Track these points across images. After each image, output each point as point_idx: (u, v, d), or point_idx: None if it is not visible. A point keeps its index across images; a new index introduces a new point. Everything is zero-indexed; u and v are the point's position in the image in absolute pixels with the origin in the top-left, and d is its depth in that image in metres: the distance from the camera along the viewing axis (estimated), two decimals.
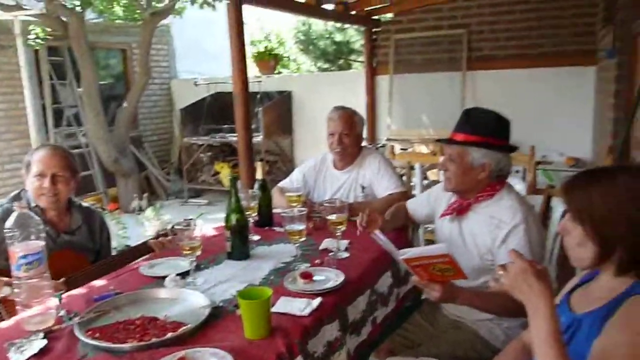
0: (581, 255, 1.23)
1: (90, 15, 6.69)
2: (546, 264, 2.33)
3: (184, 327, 1.41)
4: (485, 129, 1.86)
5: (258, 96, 6.99)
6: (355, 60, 9.06)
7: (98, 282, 1.86)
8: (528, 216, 1.81)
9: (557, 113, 5.60)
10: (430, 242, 2.33)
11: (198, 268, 1.87)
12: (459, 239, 1.94)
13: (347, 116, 2.72)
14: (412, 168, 3.45)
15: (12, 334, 1.42)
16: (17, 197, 2.11)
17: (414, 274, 1.60)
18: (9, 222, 1.46)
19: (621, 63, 3.78)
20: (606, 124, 4.20)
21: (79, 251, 2.22)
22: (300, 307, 1.50)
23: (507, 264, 1.19)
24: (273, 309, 1.44)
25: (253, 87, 6.36)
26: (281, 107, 7.11)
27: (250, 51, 7.75)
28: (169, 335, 1.37)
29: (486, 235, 1.85)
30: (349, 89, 6.70)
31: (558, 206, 2.35)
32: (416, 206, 2.31)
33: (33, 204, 2.12)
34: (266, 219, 2.44)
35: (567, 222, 1.26)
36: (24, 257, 1.44)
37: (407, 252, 1.55)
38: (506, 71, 5.83)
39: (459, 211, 1.95)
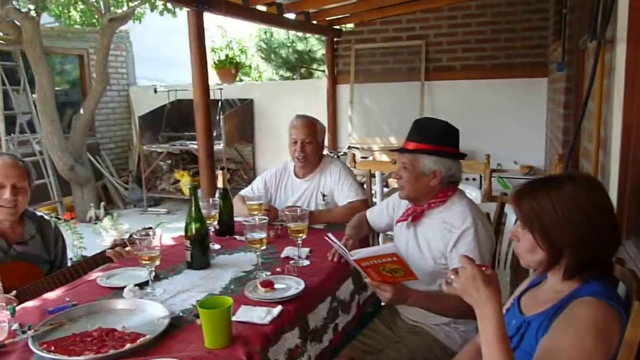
0: (531, 260, 1.29)
1: (45, 19, 6.52)
2: (500, 268, 2.41)
3: (143, 338, 1.39)
4: (435, 137, 1.93)
5: (219, 104, 6.95)
6: (316, 70, 9.12)
7: (53, 294, 1.81)
8: (477, 221, 1.88)
9: (512, 123, 5.79)
10: None
11: (157, 278, 1.85)
12: (414, 245, 2.00)
13: (309, 124, 2.74)
14: (372, 176, 3.50)
15: None
16: None
17: (366, 275, 1.65)
18: None
19: (570, 76, 3.94)
20: (557, 133, 4.37)
21: (32, 262, 2.16)
22: (261, 315, 1.51)
23: (459, 268, 1.23)
24: (233, 318, 1.44)
25: (214, 95, 6.34)
26: (243, 115, 7.09)
27: (211, 59, 7.71)
28: (128, 346, 1.35)
29: (439, 240, 1.92)
30: (310, 97, 6.75)
31: (511, 212, 2.43)
32: (375, 217, 2.35)
33: None
34: (227, 227, 2.43)
35: (517, 229, 1.32)
36: None
37: (358, 252, 1.59)
38: (463, 82, 6.00)
39: (413, 217, 2.01)
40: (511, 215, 2.46)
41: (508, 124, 5.81)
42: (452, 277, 1.23)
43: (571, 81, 3.93)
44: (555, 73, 4.60)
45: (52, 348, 1.37)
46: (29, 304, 1.73)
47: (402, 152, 1.99)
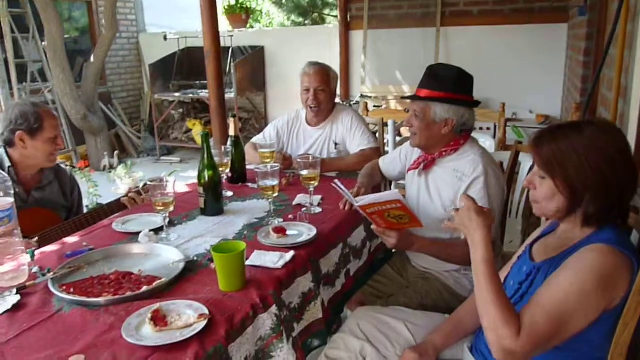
0: (549, 207, 1.28)
1: None
2: (512, 216, 2.41)
3: (159, 281, 1.42)
4: (448, 84, 1.88)
5: (230, 51, 6.85)
6: (329, 15, 8.89)
7: (70, 239, 1.85)
8: (489, 169, 1.86)
9: (528, 71, 5.65)
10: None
11: (171, 224, 1.88)
12: (425, 193, 1.99)
13: (322, 72, 2.70)
14: (385, 125, 3.46)
15: None
16: None
17: (372, 222, 1.67)
18: None
19: (591, 21, 3.80)
20: (575, 81, 4.26)
21: (50, 208, 2.20)
22: (274, 260, 1.53)
23: (460, 206, 1.31)
24: (247, 262, 1.47)
25: (225, 42, 6.22)
26: (254, 62, 6.99)
27: (221, 4, 7.53)
28: (144, 288, 1.39)
29: (449, 187, 1.91)
30: (322, 44, 6.61)
31: (526, 161, 2.41)
32: (388, 165, 2.34)
33: (8, 164, 2.09)
34: (239, 175, 2.44)
35: (533, 176, 1.30)
36: None
37: (362, 199, 1.61)
38: (480, 28, 5.82)
39: (425, 166, 2.00)
40: (525, 164, 2.43)
41: (525, 72, 5.67)
42: (453, 213, 1.33)
43: (593, 26, 3.80)
44: (577, 18, 4.44)
45: (72, 290, 1.41)
46: (48, 248, 1.77)
47: (413, 100, 1.96)
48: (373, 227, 1.70)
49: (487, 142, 3.18)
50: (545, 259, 1.30)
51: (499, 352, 1.15)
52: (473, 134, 2.02)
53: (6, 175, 1.49)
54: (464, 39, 5.91)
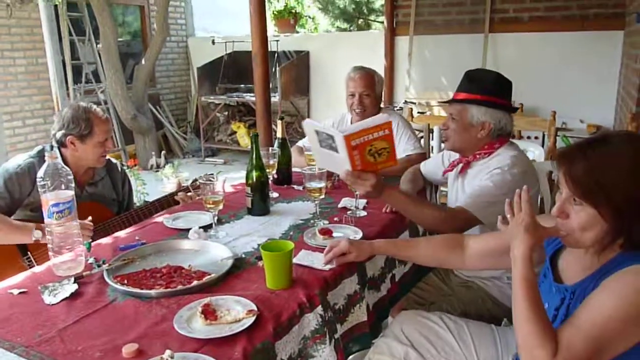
0: (585, 237, 1.14)
1: None
2: None
3: (209, 277, 1.46)
4: (486, 87, 1.88)
5: (275, 55, 6.94)
6: (374, 21, 8.88)
7: (123, 232, 1.92)
8: (516, 167, 1.82)
9: (580, 79, 5.48)
10: (444, 204, 2.35)
11: (219, 222, 1.92)
12: (462, 196, 1.98)
13: (368, 76, 2.71)
14: (430, 131, 3.43)
15: (44, 279, 1.50)
16: (41, 153, 2.16)
17: (350, 162, 1.60)
18: (41, 172, 1.51)
19: None
20: (631, 90, 4.11)
21: (102, 203, 2.29)
22: (321, 260, 1.54)
23: (508, 215, 1.22)
24: (294, 261, 1.48)
25: (270, 46, 6.29)
26: (299, 67, 7.06)
27: (269, 8, 7.64)
28: (195, 283, 1.42)
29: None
30: (367, 49, 6.61)
31: None
32: (430, 168, 2.32)
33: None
34: (285, 177, 2.47)
35: (565, 204, 1.15)
36: (56, 205, 1.49)
37: (348, 129, 1.57)
38: (530, 34, 5.69)
39: (460, 169, 2.00)
40: None
41: (576, 80, 5.50)
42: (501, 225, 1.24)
43: None
44: (635, 25, 4.29)
45: (125, 281, 1.46)
46: (102, 241, 1.84)
47: (451, 103, 1.97)
48: (343, 174, 1.65)
49: (536, 151, 3.09)
50: (577, 282, 1.19)
51: None
52: (520, 142, 1.99)
53: (69, 169, 1.56)
54: (513, 46, 5.79)
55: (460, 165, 2.00)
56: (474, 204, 1.80)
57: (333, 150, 1.62)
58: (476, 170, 1.95)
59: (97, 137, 2.16)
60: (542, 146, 3.97)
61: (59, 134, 2.15)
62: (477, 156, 1.94)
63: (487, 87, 1.88)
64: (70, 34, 6.25)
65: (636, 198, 1.07)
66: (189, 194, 2.24)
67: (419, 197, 1.88)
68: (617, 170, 1.08)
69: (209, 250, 1.67)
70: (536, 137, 4.82)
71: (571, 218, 1.14)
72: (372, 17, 8.98)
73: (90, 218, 1.95)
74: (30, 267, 1.89)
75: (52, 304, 1.36)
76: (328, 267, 1.52)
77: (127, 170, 2.56)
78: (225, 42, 7.31)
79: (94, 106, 2.23)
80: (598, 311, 1.05)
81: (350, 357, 1.71)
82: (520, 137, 4.55)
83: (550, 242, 1.33)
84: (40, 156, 2.13)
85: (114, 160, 2.45)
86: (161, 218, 2.03)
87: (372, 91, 2.70)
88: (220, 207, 1.81)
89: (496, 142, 1.92)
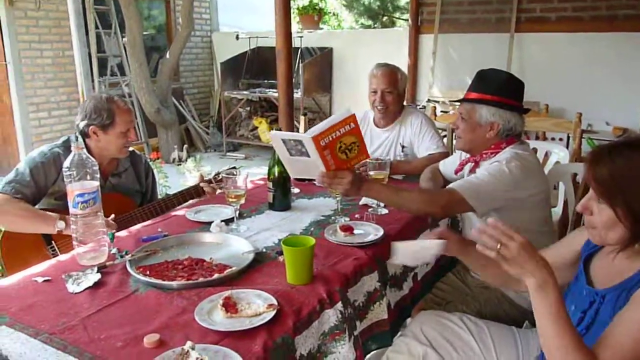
0: (609, 236, 1.14)
1: None
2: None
3: (230, 270, 1.46)
4: (495, 87, 1.87)
5: (299, 52, 6.94)
6: (399, 18, 8.82)
7: (146, 224, 1.94)
8: (514, 162, 1.79)
9: (607, 81, 5.37)
10: None
11: (241, 216, 1.93)
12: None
13: (390, 73, 2.69)
14: (453, 130, 3.40)
15: (68, 268, 1.52)
16: (67, 143, 2.19)
17: (323, 163, 1.58)
18: (67, 162, 1.53)
19: None
20: None
21: (125, 194, 2.31)
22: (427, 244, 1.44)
23: (503, 238, 1.11)
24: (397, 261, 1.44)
25: (294, 43, 6.30)
26: (321, 64, 7.04)
27: (293, 4, 7.64)
28: (216, 276, 1.43)
29: None
30: (391, 47, 6.56)
31: None
32: (449, 167, 2.31)
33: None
34: None
35: (589, 201, 1.16)
36: (81, 195, 1.51)
37: (314, 130, 1.54)
38: (557, 34, 5.59)
39: (471, 169, 1.99)
40: None
41: (603, 82, 5.38)
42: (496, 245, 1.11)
43: None
44: None
45: (148, 272, 1.47)
46: (125, 231, 1.86)
47: (461, 102, 1.97)
48: (318, 178, 1.63)
49: (561, 153, 3.04)
50: (608, 287, 1.17)
51: None
52: (545, 144, 1.97)
53: (94, 160, 1.58)
54: (539, 46, 5.69)
55: (470, 164, 2.01)
56: (466, 187, 1.78)
57: (304, 156, 1.60)
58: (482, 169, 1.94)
59: (119, 127, 2.18)
60: (567, 148, 3.90)
61: (81, 124, 2.18)
62: (484, 155, 1.94)
63: (497, 88, 1.87)
64: (96, 27, 6.34)
65: None
66: (210, 185, 2.26)
67: (396, 185, 1.89)
68: (638, 177, 1.08)
69: (230, 244, 1.68)
70: (561, 139, 4.75)
71: (594, 215, 1.15)
72: (397, 15, 8.93)
73: (112, 216, 1.98)
74: (54, 256, 1.93)
75: (76, 293, 1.38)
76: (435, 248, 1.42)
77: (150, 163, 2.58)
78: (249, 38, 7.33)
79: (116, 97, 2.26)
80: (637, 326, 1.02)
81: (369, 354, 1.70)
82: (545, 139, 4.49)
83: (585, 245, 1.31)
84: (66, 146, 2.16)
85: (138, 152, 2.47)
86: (183, 211, 2.04)
87: (395, 88, 2.68)
88: (242, 201, 1.82)
89: (504, 142, 1.91)
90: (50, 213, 1.97)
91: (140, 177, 2.42)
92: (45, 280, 1.44)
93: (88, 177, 1.55)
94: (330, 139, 1.55)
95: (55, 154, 2.13)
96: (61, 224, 1.92)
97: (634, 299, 1.06)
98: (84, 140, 2.21)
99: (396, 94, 2.70)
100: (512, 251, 1.09)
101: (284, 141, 1.63)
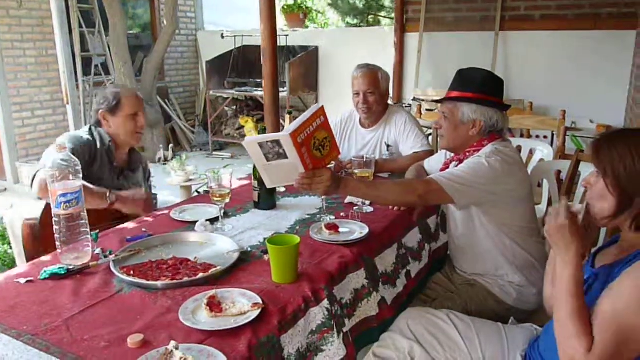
0: (599, 207, 1.27)
1: None
2: None
3: (214, 269, 1.46)
4: (476, 85, 1.89)
5: (284, 50, 6.92)
6: (385, 17, 8.84)
7: (130, 224, 1.93)
8: (494, 156, 1.80)
9: (591, 79, 5.43)
10: None
11: (226, 215, 1.92)
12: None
13: (371, 75, 2.69)
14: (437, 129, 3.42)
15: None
16: (91, 130, 2.24)
17: (301, 162, 1.58)
18: (49, 162, 1.51)
19: None
20: None
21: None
22: None
23: (546, 218, 1.29)
24: None
25: (279, 41, 6.29)
26: (307, 62, 7.03)
27: (279, 3, 7.62)
28: (200, 275, 1.42)
29: None
30: (377, 46, 6.58)
31: (586, 171, 2.33)
32: (433, 165, 2.32)
33: (108, 140, 2.24)
34: None
35: (591, 176, 1.31)
36: (64, 195, 1.50)
37: (290, 128, 1.55)
38: (541, 33, 5.64)
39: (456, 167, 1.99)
40: (585, 174, 2.35)
41: (586, 80, 5.45)
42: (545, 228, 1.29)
43: None
44: None
45: (131, 272, 1.46)
46: (109, 232, 1.85)
47: (443, 102, 1.98)
48: (298, 179, 1.62)
49: (545, 150, 3.07)
50: (603, 265, 1.29)
51: None
52: (529, 141, 1.99)
53: (77, 160, 1.56)
54: (524, 44, 5.74)
55: (454, 163, 2.01)
56: (445, 178, 1.78)
57: (281, 158, 1.57)
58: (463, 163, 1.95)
59: (126, 109, 2.22)
60: (551, 145, 3.95)
61: (93, 114, 2.26)
62: (467, 153, 1.94)
63: (477, 85, 1.89)
64: (80, 26, 6.26)
65: (637, 183, 1.21)
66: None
67: (372, 180, 1.93)
68: (630, 153, 1.22)
69: (215, 243, 1.67)
70: (545, 137, 4.79)
71: (592, 188, 1.30)
72: (383, 14, 8.95)
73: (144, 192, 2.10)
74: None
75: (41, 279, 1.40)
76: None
77: None
78: (235, 37, 7.30)
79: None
80: (619, 297, 1.13)
81: (361, 351, 1.70)
82: (529, 136, 4.53)
83: None
84: (91, 133, 2.23)
85: (140, 152, 2.53)
86: (167, 210, 2.03)
87: (377, 89, 2.68)
88: (227, 200, 1.82)
89: (485, 139, 1.92)
90: (100, 187, 2.04)
91: (147, 178, 2.51)
92: (27, 281, 1.43)
93: (71, 177, 1.53)
94: (306, 134, 1.55)
95: (90, 141, 2.19)
96: (112, 197, 2.01)
97: (624, 274, 1.16)
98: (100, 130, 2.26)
99: (378, 94, 2.70)
100: (551, 229, 1.27)
101: (260, 145, 1.58)
